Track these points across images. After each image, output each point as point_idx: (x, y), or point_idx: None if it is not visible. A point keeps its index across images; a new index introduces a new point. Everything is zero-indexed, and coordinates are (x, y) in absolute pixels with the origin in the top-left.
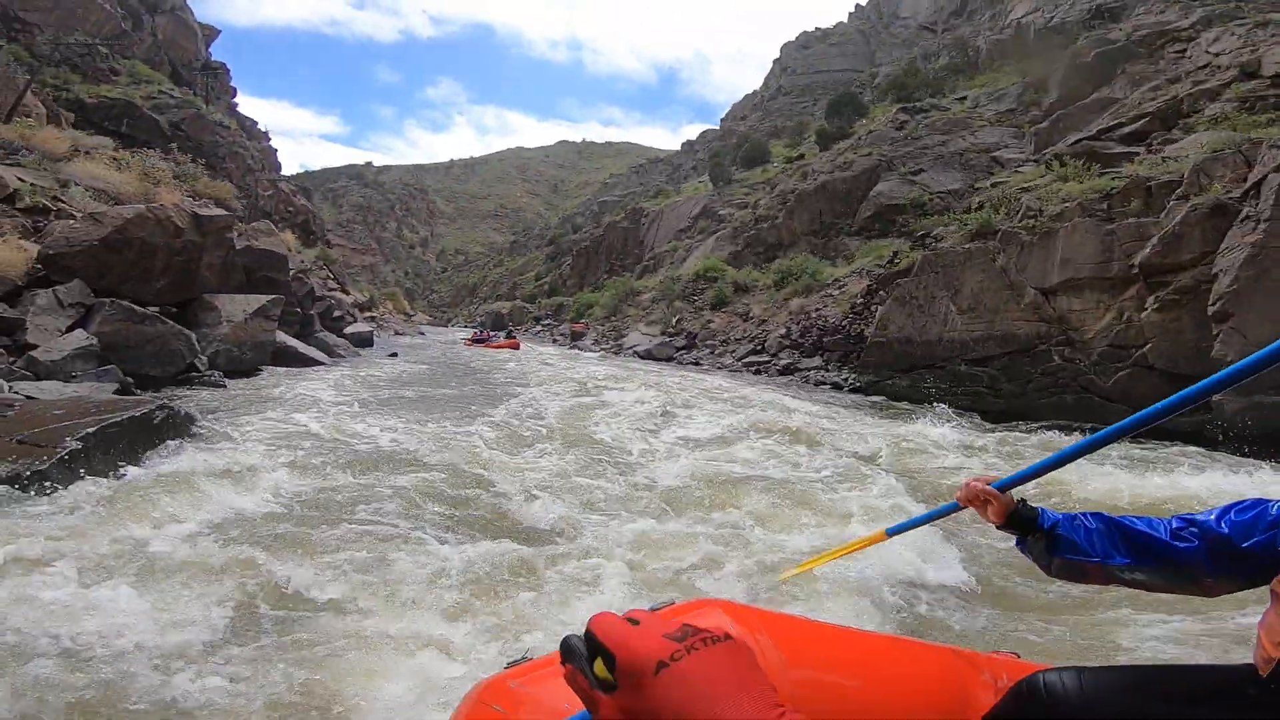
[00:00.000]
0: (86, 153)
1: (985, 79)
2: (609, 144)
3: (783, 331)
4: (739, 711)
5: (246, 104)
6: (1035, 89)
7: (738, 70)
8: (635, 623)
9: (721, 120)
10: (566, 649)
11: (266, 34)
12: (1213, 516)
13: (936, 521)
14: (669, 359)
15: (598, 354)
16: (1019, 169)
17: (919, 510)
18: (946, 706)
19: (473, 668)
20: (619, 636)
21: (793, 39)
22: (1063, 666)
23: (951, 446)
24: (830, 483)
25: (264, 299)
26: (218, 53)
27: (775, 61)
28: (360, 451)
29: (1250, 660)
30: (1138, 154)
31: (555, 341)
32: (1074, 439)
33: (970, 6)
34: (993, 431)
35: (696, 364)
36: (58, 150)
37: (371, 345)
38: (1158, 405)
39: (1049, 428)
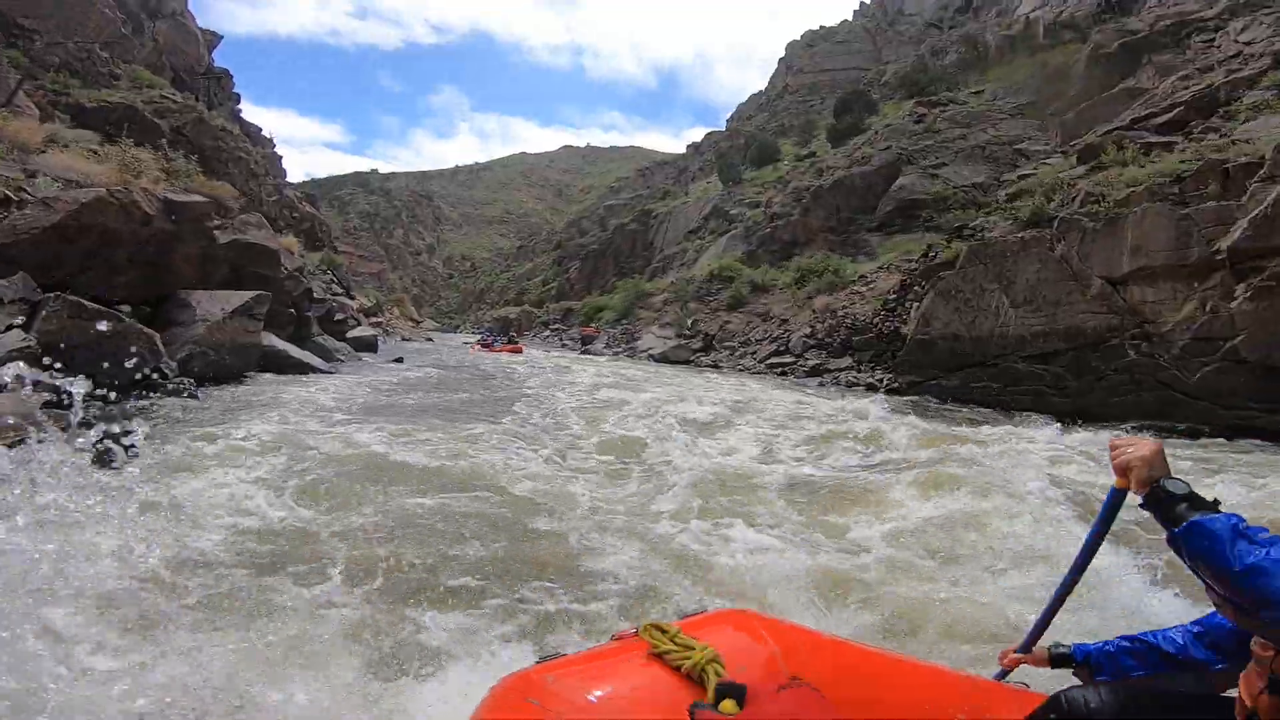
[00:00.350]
0: (65, 145)
1: (999, 72)
2: (613, 148)
3: (807, 331)
4: None
5: (251, 113)
6: (1055, 81)
7: (738, 72)
8: None
9: (727, 121)
10: None
11: (269, 44)
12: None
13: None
14: (686, 362)
15: (610, 358)
16: (1045, 161)
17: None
18: None
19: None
20: None
21: (798, 38)
22: (1079, 686)
23: (1043, 452)
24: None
25: (248, 295)
26: (221, 61)
27: (780, 60)
28: (346, 473)
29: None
30: (1176, 143)
31: (565, 346)
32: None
33: (976, 3)
34: (1074, 431)
35: (716, 367)
36: (32, 141)
37: (376, 350)
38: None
39: (1139, 429)
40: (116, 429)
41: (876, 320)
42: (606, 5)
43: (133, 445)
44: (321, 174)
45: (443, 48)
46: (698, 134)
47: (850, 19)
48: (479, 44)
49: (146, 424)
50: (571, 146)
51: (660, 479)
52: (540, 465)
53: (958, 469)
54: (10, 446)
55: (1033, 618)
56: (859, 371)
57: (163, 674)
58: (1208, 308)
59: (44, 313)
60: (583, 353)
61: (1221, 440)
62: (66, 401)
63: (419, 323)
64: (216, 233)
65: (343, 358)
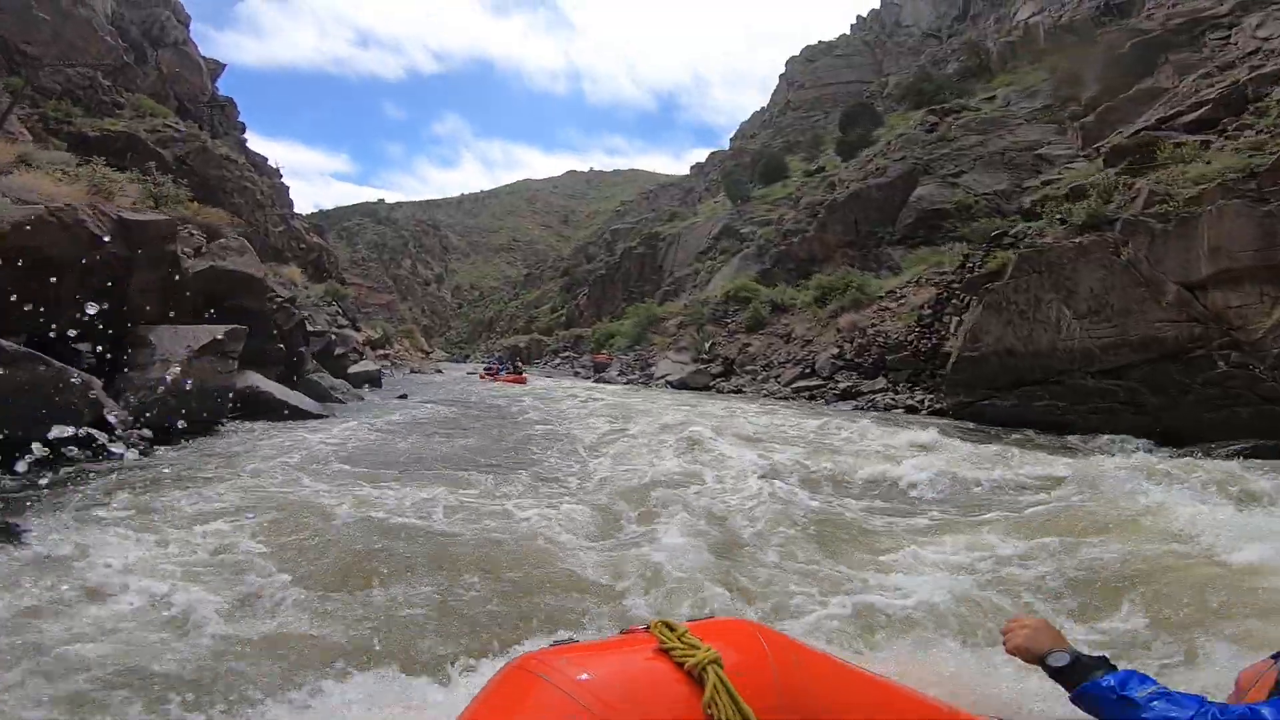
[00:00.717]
0: (35, 166)
1: (1006, 78)
2: (616, 172)
3: (834, 351)
4: None
5: (260, 145)
6: (1069, 84)
7: (736, 91)
8: None
9: (731, 140)
10: None
11: (273, 74)
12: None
13: None
14: (705, 388)
15: (626, 386)
16: (1069, 165)
17: None
18: None
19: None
20: None
21: (797, 54)
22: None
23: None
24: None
25: (220, 330)
26: (228, 92)
27: (781, 77)
28: (312, 571)
29: None
30: (1211, 141)
31: (577, 374)
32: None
33: (973, 10)
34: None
35: (739, 392)
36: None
37: (380, 386)
38: None
39: (1245, 451)
40: None
41: (911, 337)
42: (602, 30)
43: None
44: (329, 205)
45: (443, 76)
46: (698, 155)
47: (848, 33)
48: (479, 71)
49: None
50: (575, 171)
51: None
52: (572, 532)
53: (1089, 505)
54: None
55: None
56: (896, 393)
57: None
58: None
59: None
60: (596, 380)
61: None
62: None
63: (429, 353)
64: (190, 259)
65: (341, 396)
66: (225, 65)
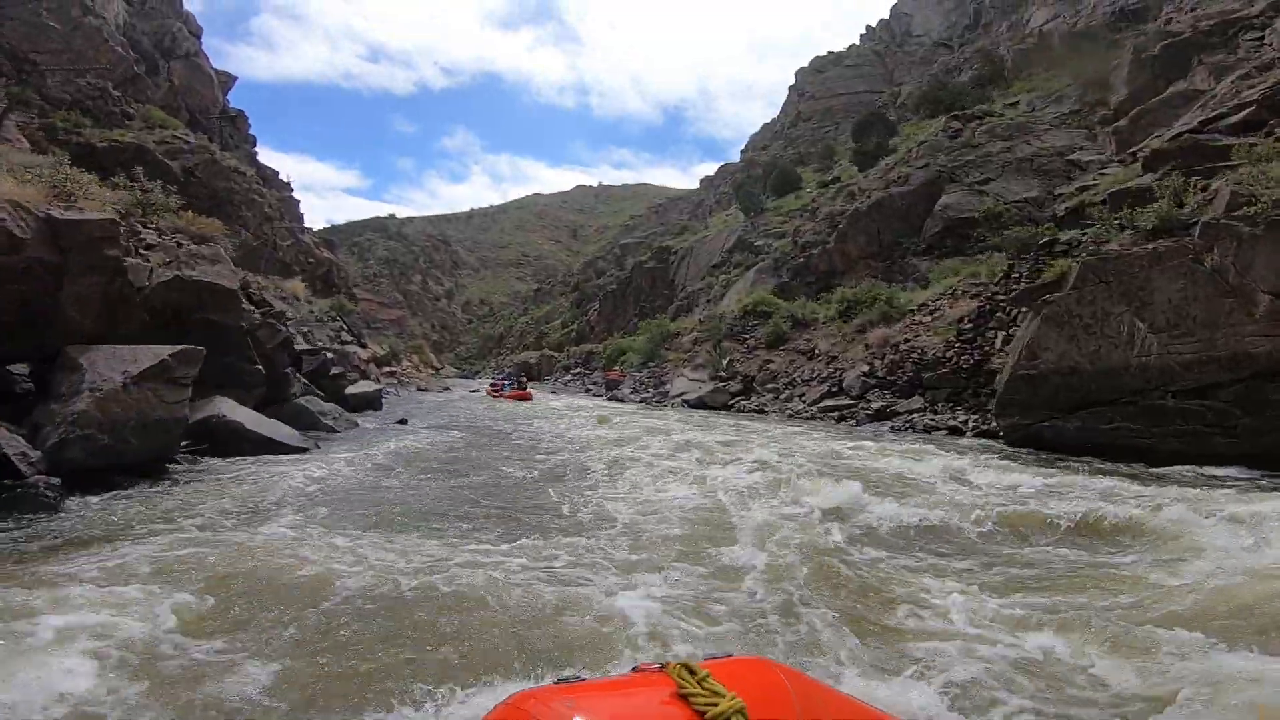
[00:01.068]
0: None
1: (1025, 85)
2: (625, 186)
3: (864, 369)
4: None
5: (272, 158)
6: (1095, 89)
7: (743, 105)
8: None
9: (741, 152)
10: None
11: (285, 88)
12: None
13: None
14: (725, 407)
15: (640, 405)
16: (1103, 171)
17: None
18: None
19: None
20: None
21: (806, 64)
22: None
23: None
24: None
25: (166, 351)
26: (242, 106)
27: (791, 88)
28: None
29: None
30: (1256, 143)
31: (589, 391)
32: None
33: (984, 19)
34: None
35: (761, 412)
36: None
37: (379, 408)
38: None
39: None
40: None
41: (950, 354)
42: (609, 43)
43: None
44: (341, 220)
45: (452, 90)
46: (706, 169)
47: (858, 43)
48: (488, 85)
49: None
50: (584, 185)
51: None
52: (605, 616)
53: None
54: None
55: None
56: (935, 413)
57: None
58: None
59: None
60: (609, 399)
61: None
62: None
63: (439, 369)
64: (152, 267)
65: (332, 423)
66: (236, 78)
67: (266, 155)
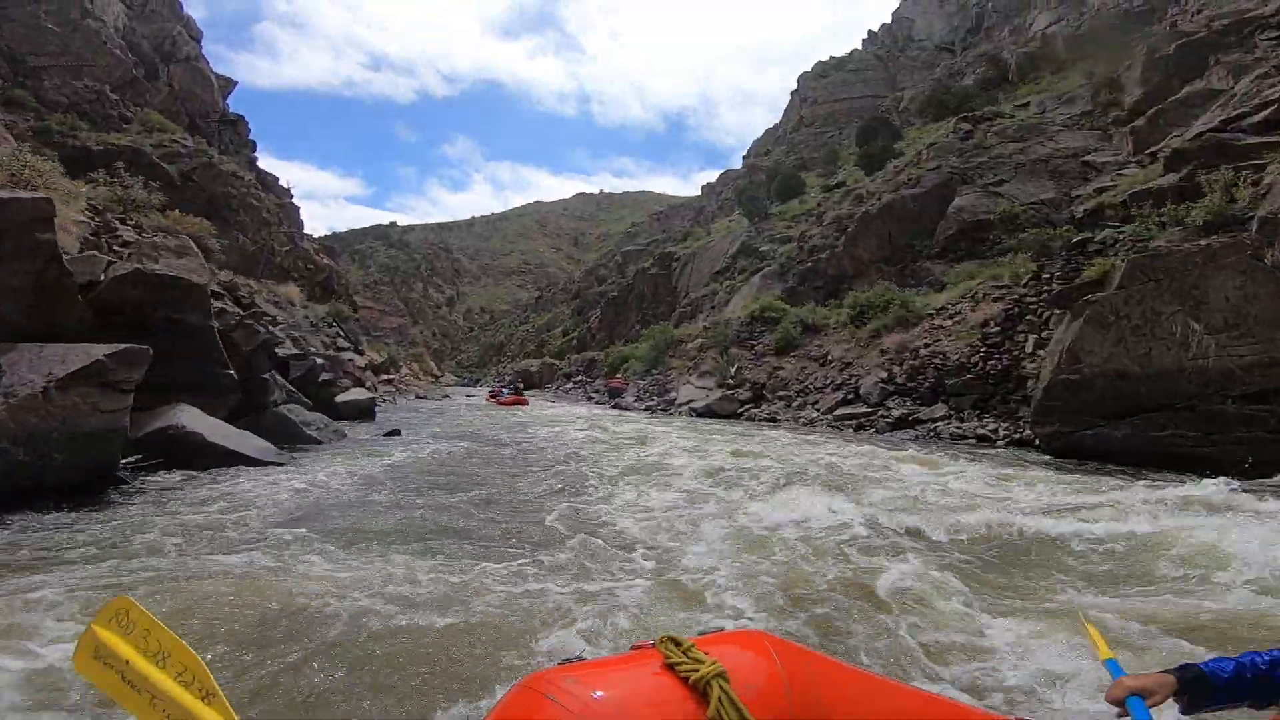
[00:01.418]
0: None
1: (1030, 88)
2: (626, 194)
3: (882, 375)
4: None
5: (274, 166)
6: (1107, 89)
7: (744, 112)
8: None
9: (744, 158)
10: None
11: (288, 96)
12: None
13: None
14: (733, 415)
15: (646, 413)
16: (1121, 172)
17: None
18: None
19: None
20: None
21: (809, 69)
22: None
23: None
24: None
25: (101, 350)
26: (243, 112)
27: (793, 93)
28: None
29: None
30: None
31: (591, 399)
32: None
33: (987, 23)
34: None
35: (773, 420)
36: None
37: (372, 418)
38: None
39: None
40: None
41: (976, 359)
42: (610, 51)
43: None
44: (342, 228)
45: (454, 98)
46: (706, 176)
47: (860, 48)
48: (489, 93)
49: None
50: (585, 193)
51: None
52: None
53: None
54: None
55: None
56: (961, 421)
57: None
58: None
59: None
60: (613, 407)
61: None
62: None
63: (439, 377)
64: (115, 260)
65: (316, 434)
66: (236, 83)
67: (269, 163)
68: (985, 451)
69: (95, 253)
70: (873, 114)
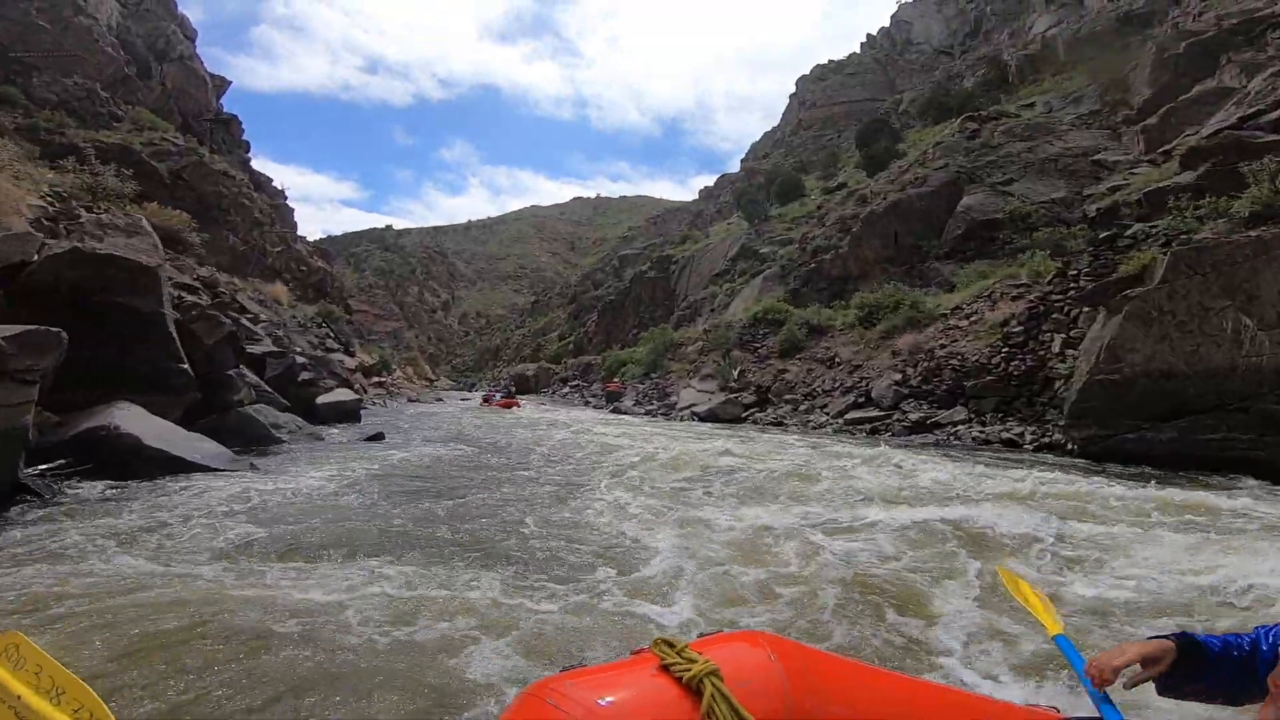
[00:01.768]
0: None
1: (1030, 90)
2: (623, 198)
3: (895, 377)
4: None
5: (270, 169)
6: (1114, 89)
7: (740, 117)
8: None
9: (742, 161)
10: None
11: (284, 99)
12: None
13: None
14: (738, 420)
15: (646, 418)
16: (1133, 171)
17: None
18: None
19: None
20: None
21: (808, 72)
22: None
23: None
24: None
25: None
26: (241, 115)
27: (792, 96)
28: None
29: None
30: None
31: (589, 404)
32: None
33: (986, 26)
34: None
35: (780, 424)
36: None
37: (357, 420)
38: None
39: None
40: None
41: (997, 360)
42: (607, 56)
43: None
44: (338, 231)
45: (450, 102)
46: (702, 181)
47: (858, 51)
48: (486, 97)
49: None
50: (581, 197)
51: None
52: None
53: None
54: None
55: None
56: (983, 424)
57: None
58: None
59: None
60: (612, 411)
61: None
62: None
63: (434, 381)
64: (42, 239)
65: (288, 436)
66: (230, 82)
67: (266, 166)
68: (1014, 457)
69: (31, 231)
70: (872, 116)
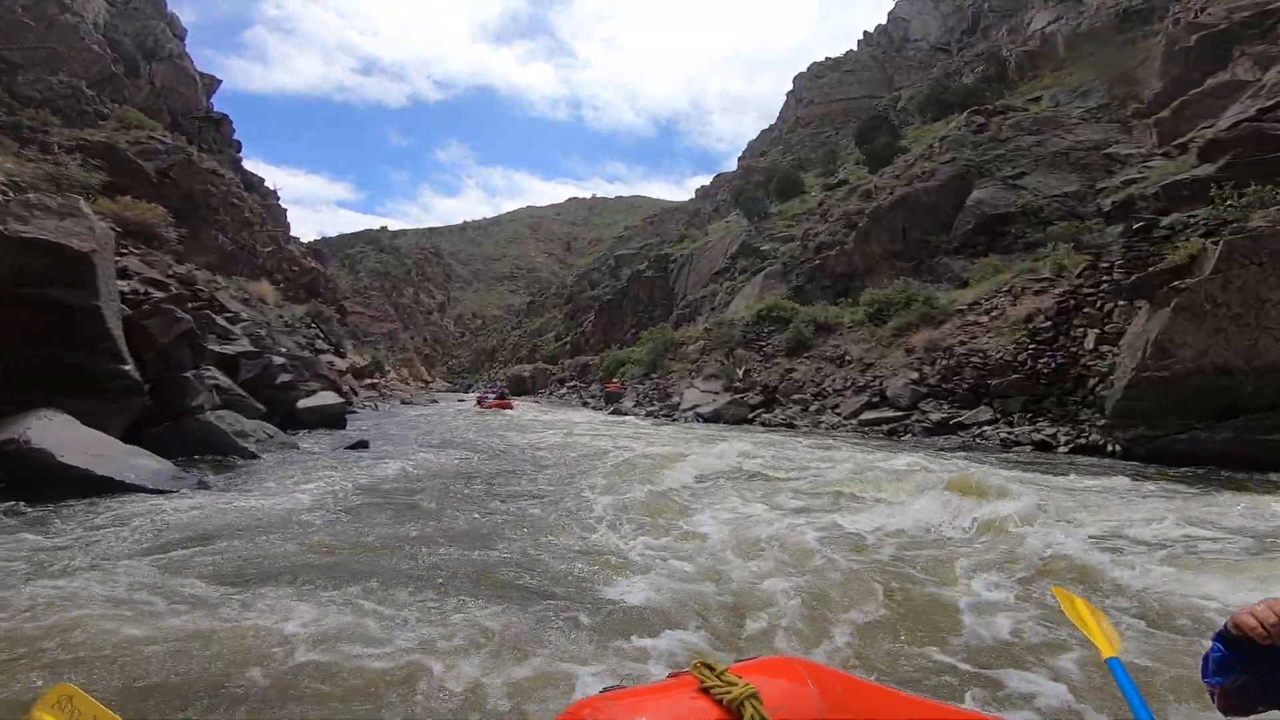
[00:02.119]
0: None
1: (1029, 86)
2: (619, 198)
3: (912, 376)
4: None
5: (265, 170)
6: (1122, 82)
7: (735, 118)
8: None
9: (739, 160)
10: None
11: (278, 100)
12: None
13: None
14: (744, 421)
15: (648, 419)
16: (1146, 164)
17: None
18: None
19: None
20: None
21: (805, 70)
22: None
23: None
24: None
25: None
26: (234, 116)
27: (789, 94)
28: None
29: None
30: None
31: (587, 405)
32: None
33: (983, 23)
34: None
35: (789, 425)
36: None
37: (341, 425)
38: None
39: None
40: None
41: (1023, 357)
42: (602, 56)
43: None
44: (333, 232)
45: (446, 103)
46: (698, 182)
47: (855, 49)
48: (481, 98)
49: None
50: (577, 198)
51: None
52: None
53: None
54: None
55: None
56: (1011, 425)
57: None
58: None
59: None
60: (611, 413)
61: None
62: None
63: (430, 382)
64: None
65: (255, 445)
66: (220, 80)
67: (260, 167)
68: (1048, 460)
69: None
70: (871, 113)
